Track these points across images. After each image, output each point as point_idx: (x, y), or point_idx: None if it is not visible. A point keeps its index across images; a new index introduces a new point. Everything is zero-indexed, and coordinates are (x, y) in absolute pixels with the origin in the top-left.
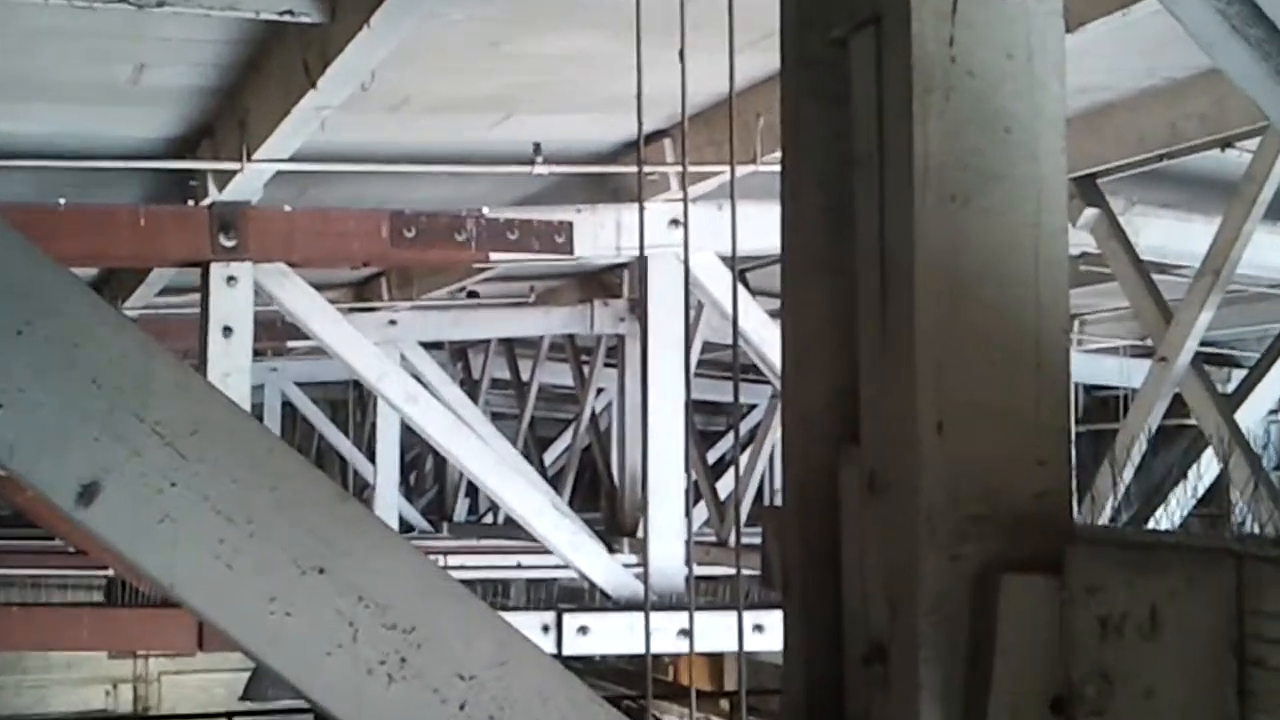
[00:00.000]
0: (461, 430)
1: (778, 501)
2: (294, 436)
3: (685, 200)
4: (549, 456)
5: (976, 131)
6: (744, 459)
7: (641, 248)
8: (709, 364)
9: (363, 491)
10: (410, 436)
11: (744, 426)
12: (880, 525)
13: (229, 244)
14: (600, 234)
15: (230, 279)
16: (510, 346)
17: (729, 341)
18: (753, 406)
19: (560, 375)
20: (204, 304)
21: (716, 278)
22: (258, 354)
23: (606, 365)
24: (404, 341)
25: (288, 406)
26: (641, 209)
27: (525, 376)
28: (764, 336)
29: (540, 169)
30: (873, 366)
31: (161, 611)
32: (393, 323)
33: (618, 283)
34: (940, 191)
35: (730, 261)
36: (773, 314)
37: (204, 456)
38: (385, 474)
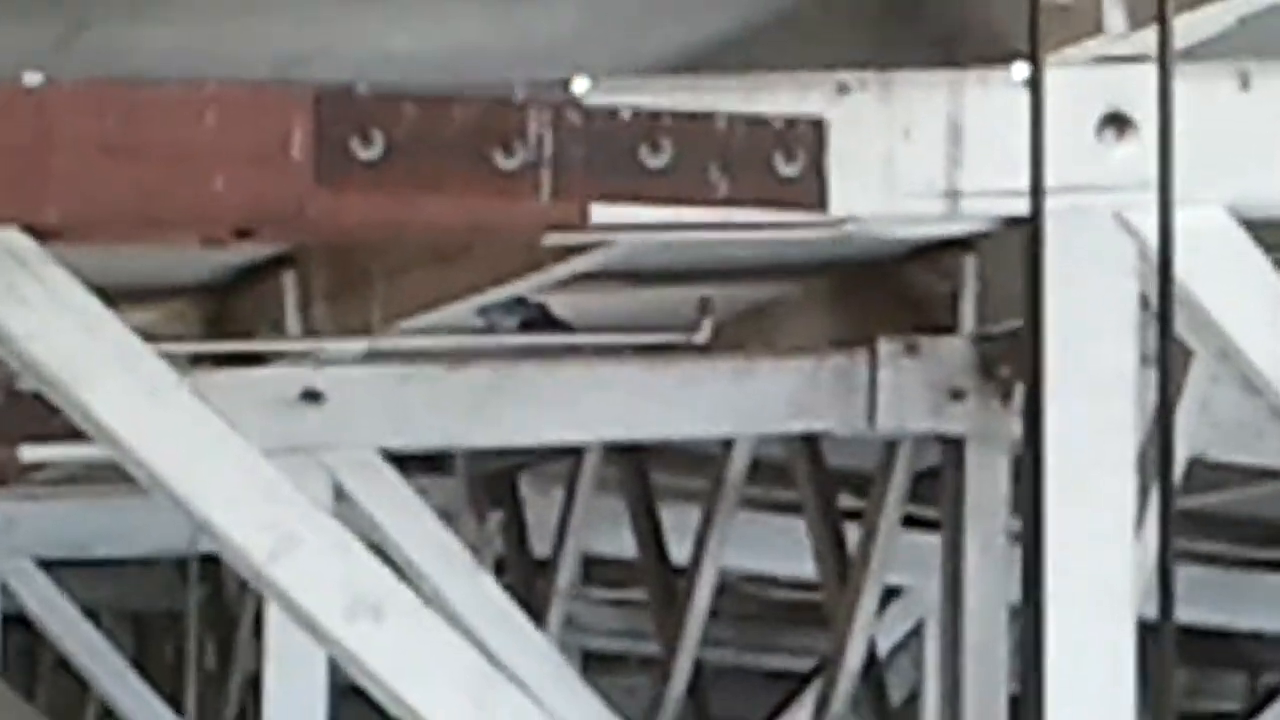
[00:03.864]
0: (502, 699)
1: None
2: (37, 695)
3: (1165, 58)
4: None
5: None
6: None
7: (1037, 190)
8: (1214, 523)
9: None
10: (358, 715)
11: None
12: None
13: None
14: (901, 154)
15: None
16: (641, 468)
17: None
18: None
19: (778, 549)
20: None
21: (1235, 280)
22: None
23: (912, 523)
24: (340, 450)
25: (15, 624)
26: (1037, 81)
27: (682, 553)
28: None
29: None
30: None
31: None
32: (312, 397)
33: (947, 294)
34: None
35: None
36: None
37: None
38: None
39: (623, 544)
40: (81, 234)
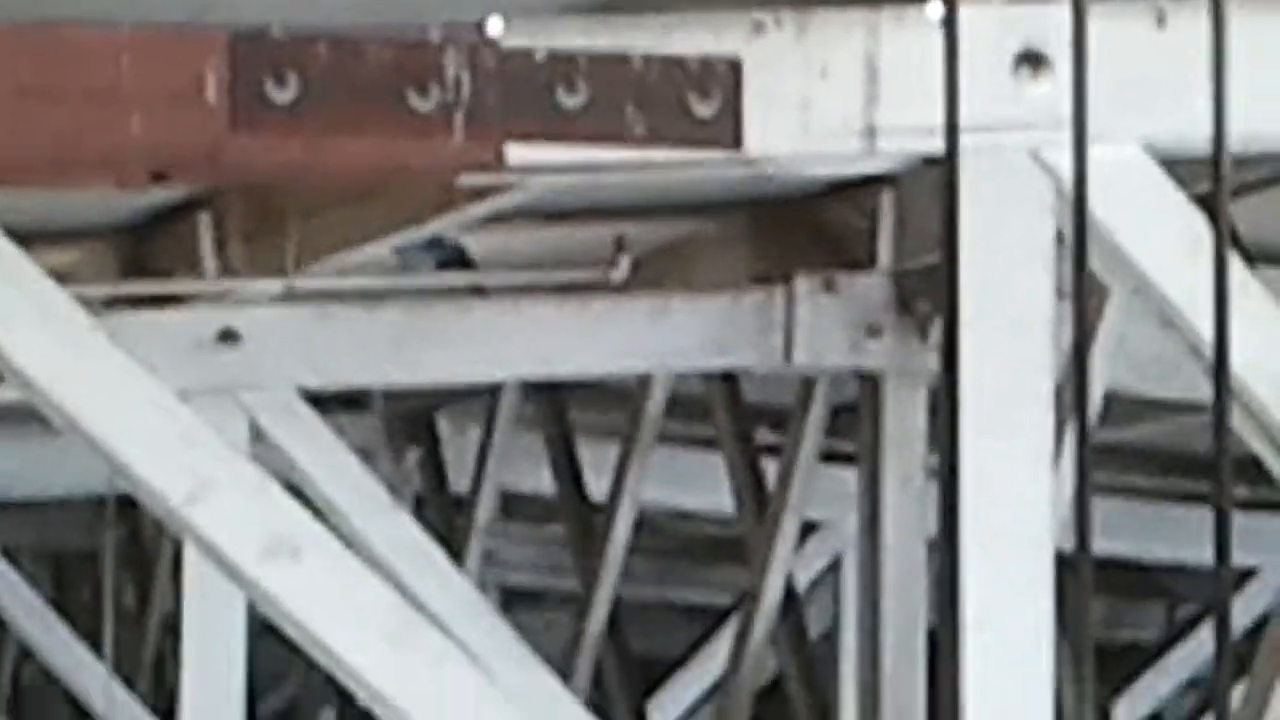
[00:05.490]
0: (420, 638)
1: None
2: None
3: None
4: (663, 713)
5: None
6: None
7: (952, 128)
8: (1130, 456)
9: None
10: (276, 655)
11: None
12: None
13: None
14: (817, 92)
15: None
16: (559, 405)
17: (1190, 395)
18: (1247, 573)
19: (696, 484)
20: None
21: (1150, 216)
22: None
23: (830, 459)
24: (258, 390)
25: None
26: (952, 19)
27: (600, 489)
28: None
29: None
30: None
31: None
32: (229, 337)
33: (864, 231)
34: None
35: (1215, 183)
36: None
37: None
38: None
39: (541, 481)
40: None
